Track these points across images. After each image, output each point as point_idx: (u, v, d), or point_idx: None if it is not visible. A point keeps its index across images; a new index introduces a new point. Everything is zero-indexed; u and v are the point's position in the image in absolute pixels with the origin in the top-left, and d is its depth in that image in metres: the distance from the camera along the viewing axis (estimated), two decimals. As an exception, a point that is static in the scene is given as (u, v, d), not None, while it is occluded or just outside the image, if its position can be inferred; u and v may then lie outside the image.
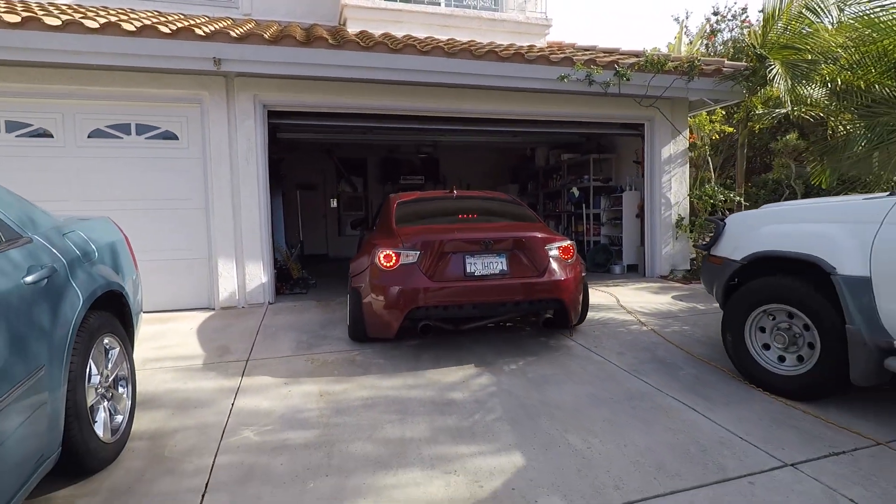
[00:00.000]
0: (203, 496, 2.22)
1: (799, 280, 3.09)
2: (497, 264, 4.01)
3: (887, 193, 2.97)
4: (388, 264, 3.90)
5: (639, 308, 5.52)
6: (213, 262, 5.74)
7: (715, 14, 12.51)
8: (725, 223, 3.79)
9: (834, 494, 2.21)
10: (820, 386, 3.04)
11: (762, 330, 3.35)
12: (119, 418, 2.52)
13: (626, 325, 4.92)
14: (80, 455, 2.14)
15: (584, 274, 4.48)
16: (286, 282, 6.92)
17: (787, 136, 8.81)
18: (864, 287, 2.75)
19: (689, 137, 7.77)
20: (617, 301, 5.86)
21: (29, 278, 1.90)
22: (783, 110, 6.34)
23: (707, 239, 4.67)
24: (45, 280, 1.99)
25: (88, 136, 5.44)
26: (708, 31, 11.51)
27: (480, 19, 7.71)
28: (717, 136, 8.29)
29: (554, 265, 4.11)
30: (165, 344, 4.44)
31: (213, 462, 2.49)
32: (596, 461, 2.51)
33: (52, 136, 5.35)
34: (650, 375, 3.63)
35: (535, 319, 4.74)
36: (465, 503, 2.18)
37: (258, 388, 3.46)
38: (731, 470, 2.43)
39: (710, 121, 8.15)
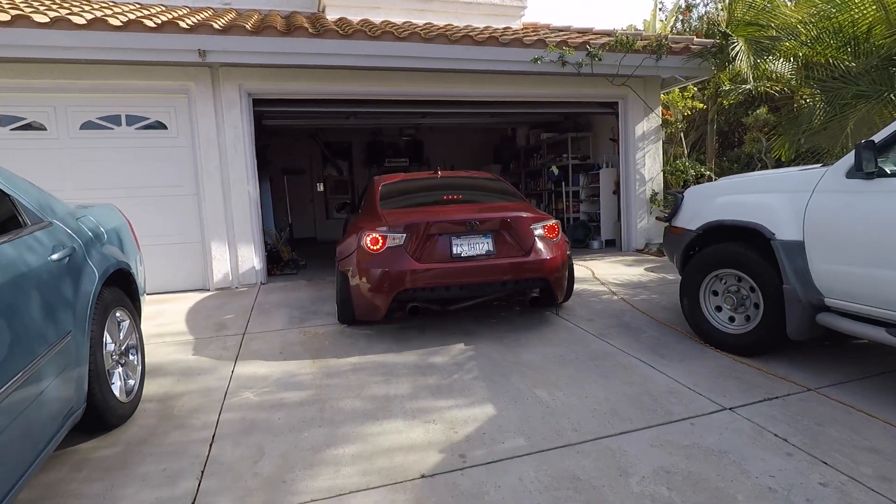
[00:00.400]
0: (210, 445, 2.53)
1: (745, 246, 3.43)
2: (483, 245, 4.07)
3: (820, 165, 3.28)
4: (375, 247, 3.94)
5: (612, 279, 5.87)
6: (207, 245, 5.99)
7: None
8: (684, 196, 4.11)
9: (762, 431, 2.56)
10: (763, 342, 3.39)
11: (715, 293, 3.69)
12: (132, 382, 2.82)
13: (599, 295, 5.26)
14: (101, 411, 2.43)
15: (569, 252, 4.56)
16: (277, 263, 7.18)
17: (758, 111, 9.12)
18: (799, 250, 3.08)
19: (664, 114, 8.07)
20: (592, 274, 6.21)
21: (54, 256, 2.17)
22: (748, 86, 6.64)
23: (667, 211, 4.99)
24: (67, 258, 2.27)
25: (80, 128, 5.62)
26: (683, 6, 11.73)
27: (457, 3, 7.89)
28: (690, 113, 8.58)
29: (539, 244, 4.16)
30: (165, 322, 4.71)
31: (218, 418, 2.80)
32: (559, 410, 2.84)
33: (45, 128, 5.53)
34: (615, 338, 3.97)
35: (522, 298, 4.85)
36: (441, 445, 2.51)
37: (255, 356, 3.77)
38: (676, 414, 2.77)
39: (683, 97, 8.43)
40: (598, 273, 6.21)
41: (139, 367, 2.93)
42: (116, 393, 2.60)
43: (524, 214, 4.23)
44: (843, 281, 2.88)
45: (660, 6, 11.03)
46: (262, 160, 6.88)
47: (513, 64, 6.36)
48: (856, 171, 2.78)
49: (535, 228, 4.20)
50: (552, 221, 4.36)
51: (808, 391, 2.98)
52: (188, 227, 5.96)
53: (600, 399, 2.96)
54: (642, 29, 11.42)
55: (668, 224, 4.27)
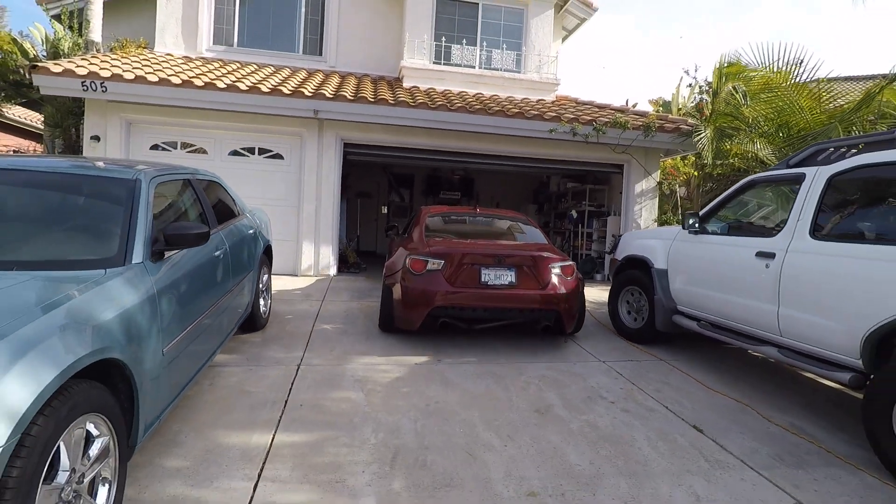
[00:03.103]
0: (308, 341, 4.75)
1: (641, 271, 5.33)
2: (507, 276, 4.69)
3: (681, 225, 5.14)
4: (417, 269, 4.63)
5: (591, 299, 7.74)
6: (300, 243, 8.42)
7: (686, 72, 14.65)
8: (621, 238, 6.04)
9: (611, 370, 4.46)
10: (648, 333, 5.24)
11: (627, 301, 5.58)
12: (268, 304, 5.12)
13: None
14: (255, 318, 4.70)
15: (582, 289, 5.14)
16: (345, 264, 9.53)
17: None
18: (664, 274, 4.98)
19: (672, 173, 9.84)
20: (579, 294, 8.10)
21: (250, 231, 4.50)
22: (720, 161, 8.38)
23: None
24: (254, 231, 4.60)
25: (229, 154, 8.27)
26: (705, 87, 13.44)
27: (503, 78, 10.17)
28: (685, 177, 10.33)
29: (555, 281, 4.77)
30: (274, 287, 7.10)
31: (311, 331, 5.05)
32: (505, 352, 4.85)
33: (206, 152, 8.22)
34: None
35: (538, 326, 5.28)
36: (427, 355, 4.59)
37: (333, 304, 6.03)
38: (570, 362, 4.70)
39: (684, 164, 10.20)
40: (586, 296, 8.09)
41: (270, 300, 5.25)
42: (263, 309, 4.89)
43: (545, 255, 4.87)
44: (684, 294, 4.76)
45: (690, 82, 12.73)
46: (343, 185, 9.30)
47: (535, 132, 8.47)
48: (688, 230, 4.69)
49: (554, 267, 4.82)
50: (568, 263, 4.95)
51: (658, 359, 4.84)
52: (289, 229, 8.41)
53: (535, 360, 4.88)
54: (670, 100, 13.23)
55: (612, 255, 6.20)
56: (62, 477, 1.69)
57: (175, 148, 8.18)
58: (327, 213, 8.50)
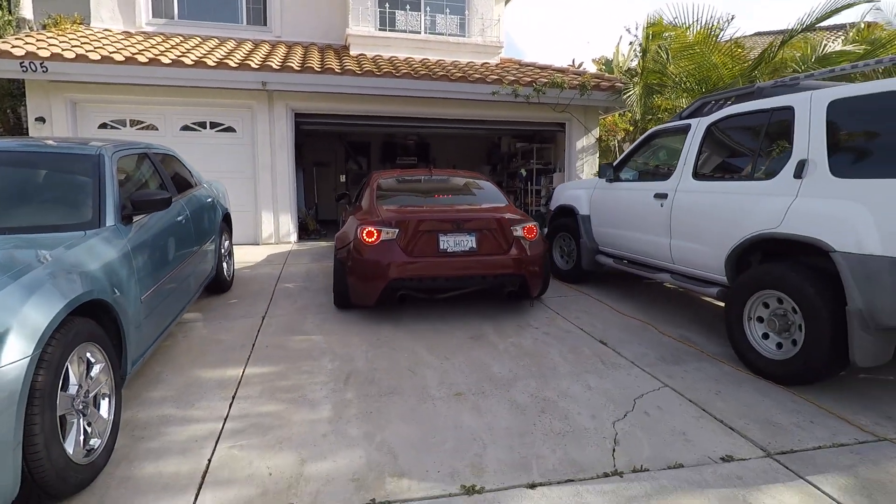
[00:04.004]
0: (271, 299, 5.22)
1: (570, 218, 5.95)
2: (467, 242, 4.42)
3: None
4: (370, 240, 4.30)
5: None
6: (258, 214, 8.74)
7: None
8: (554, 190, 6.65)
9: (543, 306, 5.10)
10: (577, 273, 5.90)
11: (560, 246, 6.23)
12: (231, 268, 5.54)
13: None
14: (220, 280, 5.12)
15: (546, 250, 5.00)
16: (305, 231, 9.90)
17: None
18: (587, 219, 5.62)
19: (609, 130, 10.46)
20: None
21: (209, 200, 4.88)
22: (650, 116, 9.04)
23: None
24: (212, 200, 4.98)
25: (180, 129, 8.43)
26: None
27: (448, 43, 10.47)
28: (624, 133, 11.02)
29: (518, 244, 4.55)
30: (236, 256, 7.47)
31: (274, 290, 5.51)
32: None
33: (157, 129, 8.36)
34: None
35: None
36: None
37: (294, 267, 6.49)
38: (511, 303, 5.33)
39: (622, 120, 10.85)
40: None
41: (234, 264, 5.68)
42: (226, 272, 5.32)
43: (506, 216, 4.61)
44: (603, 235, 5.41)
45: (631, 40, 13.27)
46: (298, 155, 9.57)
47: (479, 95, 8.90)
48: (605, 179, 5.31)
49: (516, 229, 4.57)
50: (531, 223, 4.71)
51: (583, 294, 5.53)
52: (247, 200, 8.69)
53: (475, 297, 5.49)
54: (611, 58, 13.79)
55: (546, 205, 6.81)
56: (73, 389, 2.17)
57: (124, 126, 8.28)
58: (284, 184, 8.82)
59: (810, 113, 3.32)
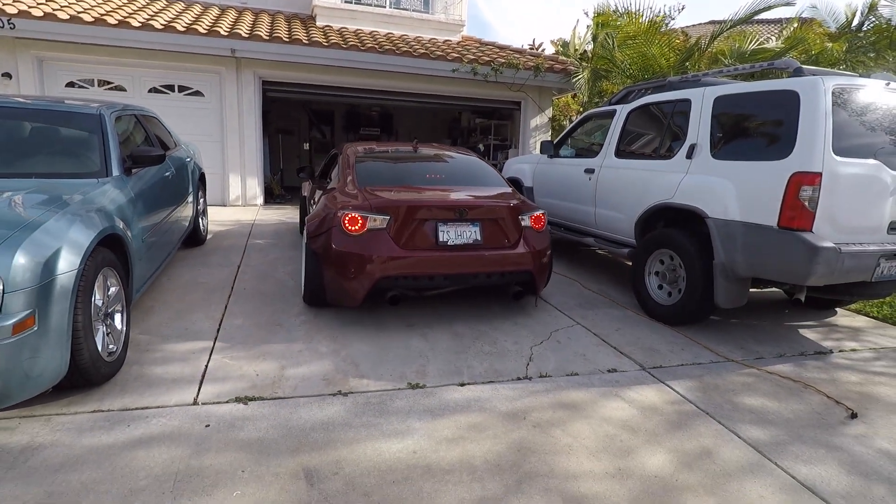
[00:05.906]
0: (243, 253, 5.75)
1: (516, 188, 6.66)
2: (471, 233, 3.81)
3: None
4: (354, 228, 3.60)
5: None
6: (226, 176, 9.09)
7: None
8: (505, 163, 7.35)
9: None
10: (522, 239, 6.65)
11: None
12: (206, 224, 6.01)
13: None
14: (197, 233, 5.60)
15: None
16: (271, 195, 10.30)
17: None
18: (531, 191, 6.35)
19: (562, 110, 11.17)
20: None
21: (187, 159, 5.32)
22: (597, 99, 9.81)
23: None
24: (190, 160, 5.42)
25: (148, 91, 8.63)
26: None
27: (412, 18, 10.89)
28: (575, 113, 11.79)
29: (526, 236, 4.00)
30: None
31: (245, 245, 6.03)
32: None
33: (125, 90, 8.53)
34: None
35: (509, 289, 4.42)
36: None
37: (262, 227, 6.99)
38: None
39: (575, 101, 11.61)
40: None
41: (208, 221, 6.14)
42: (202, 227, 5.79)
43: (513, 203, 4.01)
44: (544, 205, 6.16)
45: (589, 23, 13.93)
46: (264, 122, 9.89)
47: (440, 72, 9.42)
48: (546, 155, 6.04)
49: (523, 219, 4.02)
50: (539, 212, 4.16)
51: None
52: (215, 163, 9.02)
53: None
54: (569, 40, 14.45)
55: (498, 180, 7.51)
56: (98, 302, 2.73)
57: (92, 85, 8.42)
58: (251, 148, 9.17)
59: (702, 105, 4.10)
